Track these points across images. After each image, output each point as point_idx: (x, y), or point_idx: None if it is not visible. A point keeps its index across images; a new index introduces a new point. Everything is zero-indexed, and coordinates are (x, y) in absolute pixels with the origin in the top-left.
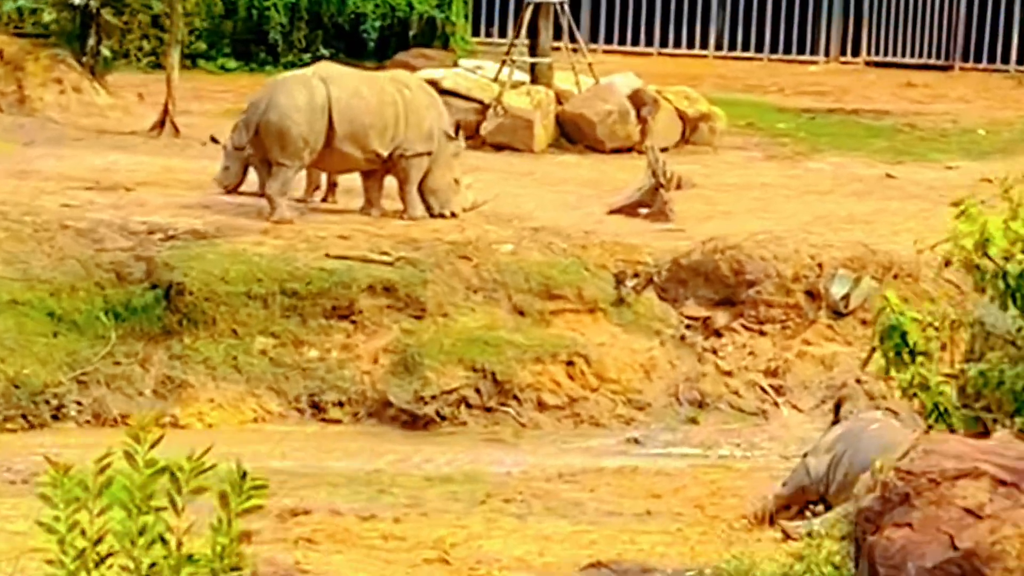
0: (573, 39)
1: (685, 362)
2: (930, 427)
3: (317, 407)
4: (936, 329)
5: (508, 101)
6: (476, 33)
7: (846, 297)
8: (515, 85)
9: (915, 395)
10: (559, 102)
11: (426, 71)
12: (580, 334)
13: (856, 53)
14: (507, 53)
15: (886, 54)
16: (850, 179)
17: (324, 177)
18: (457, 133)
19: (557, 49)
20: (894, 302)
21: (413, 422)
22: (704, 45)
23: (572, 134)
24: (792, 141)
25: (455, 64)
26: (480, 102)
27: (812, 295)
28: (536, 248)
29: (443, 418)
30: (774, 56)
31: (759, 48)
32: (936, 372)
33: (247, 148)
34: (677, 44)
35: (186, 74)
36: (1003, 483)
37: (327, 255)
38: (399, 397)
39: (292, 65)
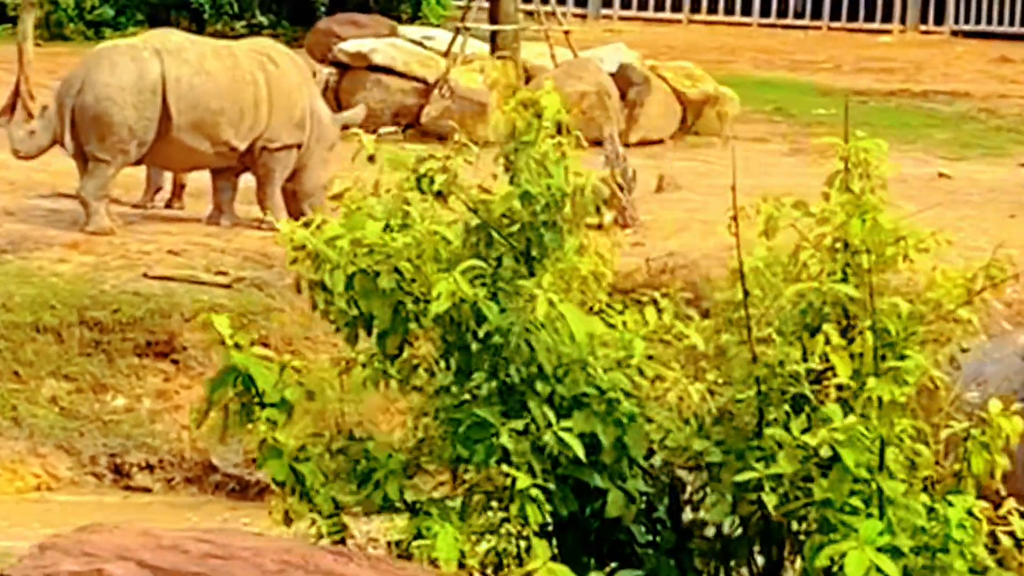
0: (545, 0)
1: None
2: (287, 513)
3: (120, 471)
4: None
5: (456, 79)
6: None
7: None
8: (469, 60)
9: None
10: (528, 81)
11: (353, 42)
12: None
13: (940, 21)
14: (462, 19)
15: (977, 22)
16: (889, 179)
17: (170, 176)
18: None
19: (530, 15)
20: (226, 333)
21: (243, 491)
22: (747, 11)
23: None
24: (830, 131)
25: (393, 32)
26: (423, 81)
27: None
28: None
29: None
30: (836, 24)
31: (816, 14)
32: (292, 433)
33: (65, 140)
34: (712, 10)
35: (87, 46)
36: None
37: (145, 275)
38: (226, 459)
39: (220, 36)
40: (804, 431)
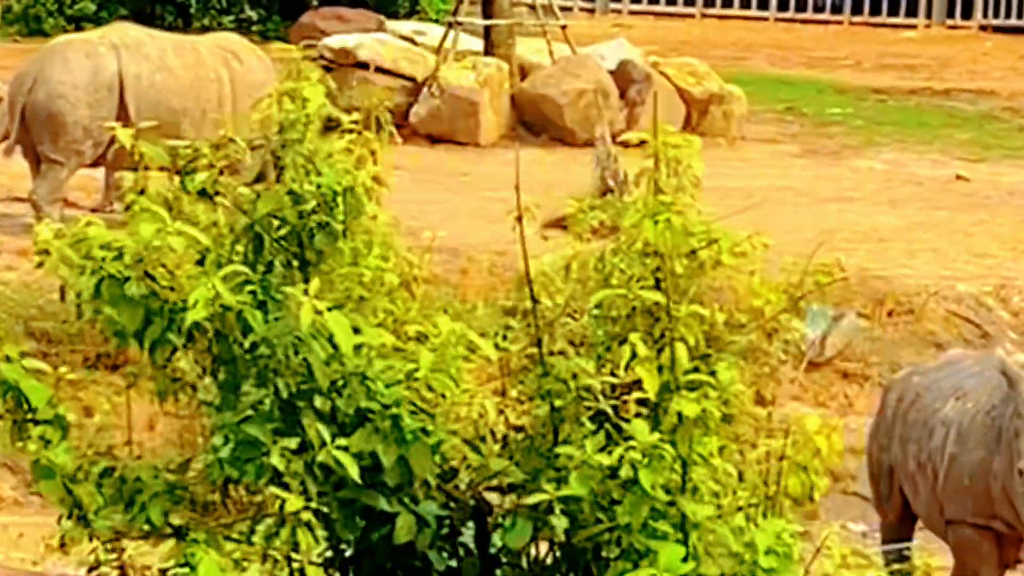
0: None
1: None
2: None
3: None
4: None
5: (446, 77)
6: None
7: (822, 339)
8: (460, 56)
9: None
10: (523, 78)
11: (337, 37)
12: None
13: (968, 15)
14: (454, 13)
15: (1007, 16)
16: (903, 181)
17: None
18: None
19: (532, 8)
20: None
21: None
22: (763, 5)
23: (534, 121)
24: (844, 131)
25: (380, 27)
26: (412, 79)
27: (772, 336)
28: None
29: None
30: (858, 19)
31: (837, 8)
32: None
33: (11, 138)
34: (727, 4)
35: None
36: None
37: None
38: None
39: (207, 31)
40: (602, 449)
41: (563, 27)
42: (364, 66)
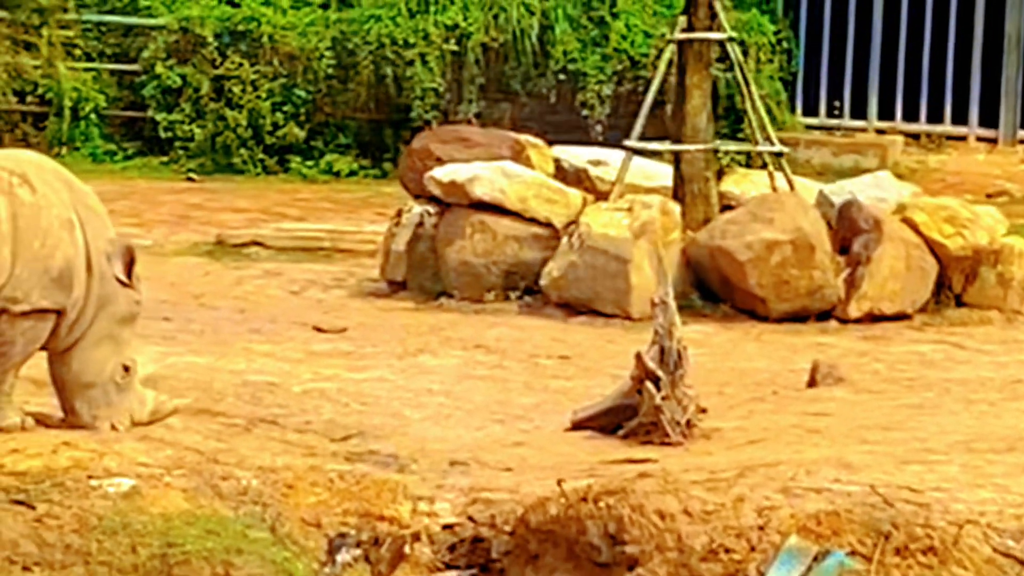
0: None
1: None
2: None
3: None
4: None
5: (589, 223)
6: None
7: None
8: (625, 192)
9: None
10: None
11: (449, 168)
12: None
13: None
14: (625, 134)
15: None
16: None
17: None
18: (130, 273)
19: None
20: None
21: None
22: None
23: (713, 284)
24: None
25: (517, 155)
26: (548, 225)
27: None
28: (195, 486)
29: None
30: None
31: None
32: None
33: None
34: None
35: None
36: None
37: None
38: None
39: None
40: None
41: (779, 155)
42: (483, 206)
